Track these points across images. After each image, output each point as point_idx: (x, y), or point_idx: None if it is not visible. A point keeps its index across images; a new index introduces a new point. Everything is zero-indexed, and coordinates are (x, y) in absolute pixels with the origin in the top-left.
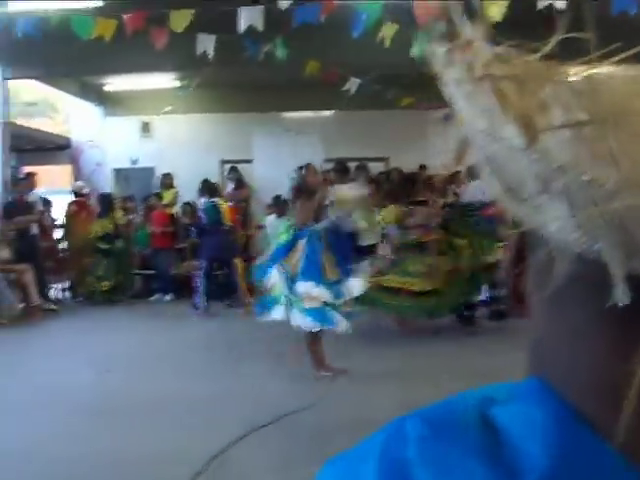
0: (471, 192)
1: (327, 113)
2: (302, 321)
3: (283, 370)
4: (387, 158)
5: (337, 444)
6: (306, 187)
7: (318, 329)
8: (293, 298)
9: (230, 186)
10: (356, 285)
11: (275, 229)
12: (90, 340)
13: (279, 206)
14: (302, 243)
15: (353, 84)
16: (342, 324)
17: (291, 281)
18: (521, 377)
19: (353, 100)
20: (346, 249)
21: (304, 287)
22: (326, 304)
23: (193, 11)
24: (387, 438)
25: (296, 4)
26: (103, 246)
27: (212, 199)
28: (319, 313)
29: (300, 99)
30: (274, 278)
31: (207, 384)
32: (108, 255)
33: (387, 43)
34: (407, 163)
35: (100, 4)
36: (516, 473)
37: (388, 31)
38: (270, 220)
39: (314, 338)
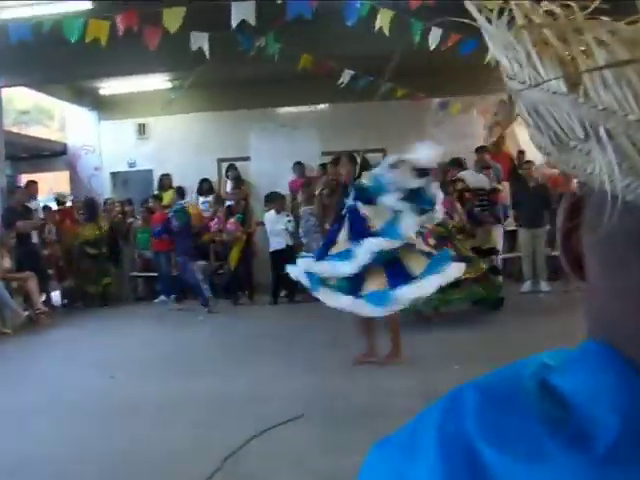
0: (469, 179)
1: (322, 106)
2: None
3: (293, 367)
4: (384, 149)
5: (351, 434)
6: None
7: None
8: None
9: (229, 184)
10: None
11: (274, 225)
12: (96, 344)
13: (277, 202)
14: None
15: (347, 76)
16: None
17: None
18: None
19: (348, 92)
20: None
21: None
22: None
23: (185, 8)
24: (443, 411)
25: None
26: (91, 251)
27: (181, 202)
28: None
29: (294, 93)
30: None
31: (216, 384)
32: (96, 260)
33: (385, 30)
34: (405, 153)
35: (90, 6)
36: (587, 438)
37: (384, 18)
38: (269, 216)
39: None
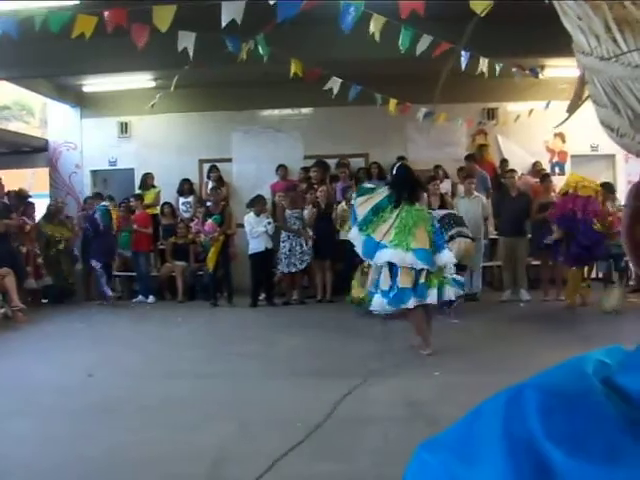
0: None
1: (306, 110)
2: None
3: (274, 371)
4: (367, 154)
5: (333, 441)
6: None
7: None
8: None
9: (210, 185)
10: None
11: (253, 227)
12: (74, 343)
13: (258, 204)
14: None
15: (334, 83)
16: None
17: None
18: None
19: (332, 96)
20: None
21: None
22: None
23: (175, 7)
24: (506, 411)
25: None
26: (53, 250)
27: (104, 204)
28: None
29: (278, 96)
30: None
31: (195, 385)
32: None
33: (377, 37)
34: (386, 158)
35: (77, 2)
36: None
37: (376, 24)
38: (249, 219)
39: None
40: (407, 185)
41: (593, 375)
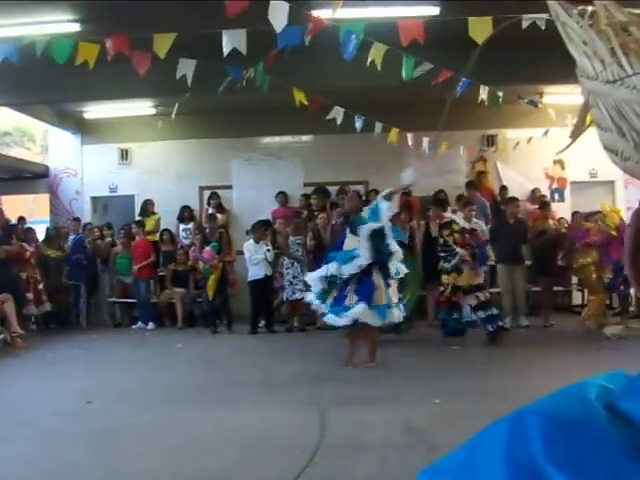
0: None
1: (306, 137)
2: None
3: (272, 398)
4: (366, 181)
5: (331, 467)
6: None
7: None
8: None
9: (210, 212)
10: None
11: (253, 254)
12: (73, 370)
13: (258, 231)
14: None
15: (337, 113)
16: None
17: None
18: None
19: (332, 124)
20: None
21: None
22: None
23: (175, 34)
24: (508, 436)
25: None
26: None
27: (80, 234)
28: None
29: (278, 123)
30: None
31: (194, 413)
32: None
33: (378, 65)
34: (386, 186)
35: (77, 29)
36: None
37: (377, 52)
38: (249, 245)
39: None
40: None
41: (596, 400)
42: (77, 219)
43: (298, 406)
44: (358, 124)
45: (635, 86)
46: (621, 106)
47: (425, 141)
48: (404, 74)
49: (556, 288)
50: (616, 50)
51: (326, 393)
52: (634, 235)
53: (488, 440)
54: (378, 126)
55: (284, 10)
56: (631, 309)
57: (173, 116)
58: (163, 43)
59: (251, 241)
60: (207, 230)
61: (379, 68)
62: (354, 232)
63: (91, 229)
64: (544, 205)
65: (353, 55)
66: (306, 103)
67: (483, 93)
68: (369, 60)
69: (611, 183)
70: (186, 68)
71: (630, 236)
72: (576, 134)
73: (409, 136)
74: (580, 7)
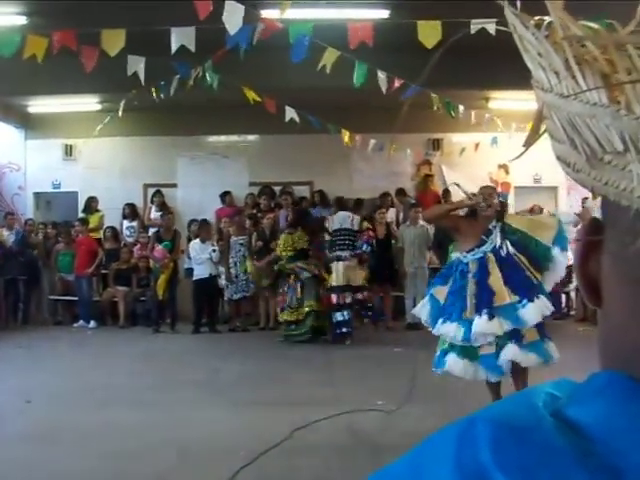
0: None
1: (252, 137)
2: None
3: (218, 396)
4: (311, 182)
5: (271, 469)
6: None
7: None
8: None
9: (153, 210)
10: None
11: (198, 254)
12: (12, 368)
13: (203, 230)
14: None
15: (291, 113)
16: None
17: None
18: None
19: (278, 123)
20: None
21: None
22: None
23: (124, 31)
24: (458, 442)
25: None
26: None
27: (19, 229)
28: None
29: (225, 122)
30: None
31: (137, 413)
32: None
33: (328, 69)
34: (331, 187)
35: (24, 22)
36: (616, 473)
37: (329, 57)
38: (194, 245)
39: None
40: None
41: (543, 408)
42: (11, 213)
43: (242, 407)
44: (310, 124)
45: (589, 101)
46: (574, 119)
47: (371, 143)
48: (355, 80)
49: None
50: (571, 64)
51: (269, 394)
52: (583, 243)
53: (437, 446)
54: (332, 128)
55: (239, 12)
56: (572, 313)
57: (120, 113)
58: (112, 39)
59: (197, 241)
60: (162, 229)
61: (328, 71)
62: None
63: (32, 225)
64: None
65: (302, 58)
66: (259, 100)
67: (436, 102)
68: (320, 65)
69: (554, 189)
70: (135, 65)
71: (579, 248)
72: (529, 142)
73: (357, 138)
74: (537, 18)
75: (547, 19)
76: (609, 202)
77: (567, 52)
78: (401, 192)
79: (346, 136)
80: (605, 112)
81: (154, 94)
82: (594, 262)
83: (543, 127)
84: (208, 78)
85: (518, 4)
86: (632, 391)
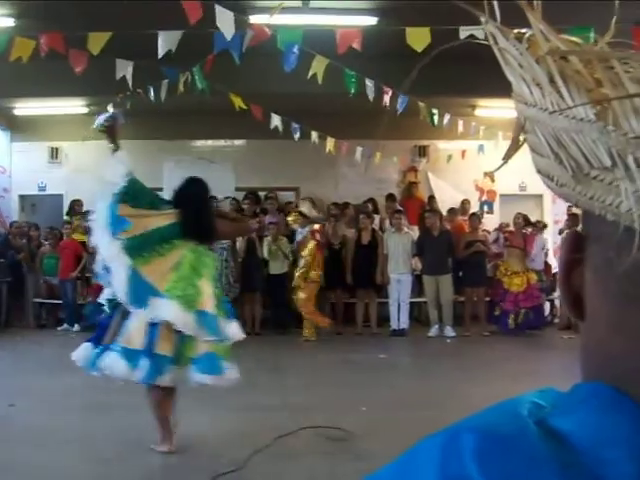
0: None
1: (239, 142)
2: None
3: (199, 402)
4: (297, 188)
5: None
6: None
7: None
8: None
9: None
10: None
11: None
12: None
13: None
14: None
15: (275, 120)
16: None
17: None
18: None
19: (264, 129)
20: None
21: None
22: None
23: (110, 34)
24: (443, 452)
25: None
26: None
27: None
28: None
29: (211, 127)
30: None
31: (121, 417)
32: None
33: (319, 78)
34: (317, 193)
35: (12, 24)
36: None
37: (319, 66)
38: None
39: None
40: (201, 213)
41: (528, 417)
42: None
43: (226, 412)
44: (295, 131)
45: (575, 116)
46: (559, 134)
47: (358, 150)
48: (347, 88)
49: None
50: (556, 79)
51: (253, 399)
52: (566, 257)
53: (422, 456)
54: (314, 135)
55: (229, 18)
56: (556, 321)
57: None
58: (98, 42)
59: None
60: None
61: (320, 81)
62: None
63: (18, 227)
64: (472, 216)
65: (293, 67)
66: (245, 107)
67: (422, 110)
68: (310, 73)
69: (540, 197)
70: (123, 69)
71: (563, 258)
72: (509, 155)
73: (343, 144)
74: (517, 31)
75: (527, 32)
76: (593, 217)
77: (551, 66)
78: (391, 197)
79: (330, 144)
80: (592, 127)
81: (144, 98)
82: (577, 275)
83: (522, 138)
84: (198, 84)
85: (498, 16)
86: (616, 402)
